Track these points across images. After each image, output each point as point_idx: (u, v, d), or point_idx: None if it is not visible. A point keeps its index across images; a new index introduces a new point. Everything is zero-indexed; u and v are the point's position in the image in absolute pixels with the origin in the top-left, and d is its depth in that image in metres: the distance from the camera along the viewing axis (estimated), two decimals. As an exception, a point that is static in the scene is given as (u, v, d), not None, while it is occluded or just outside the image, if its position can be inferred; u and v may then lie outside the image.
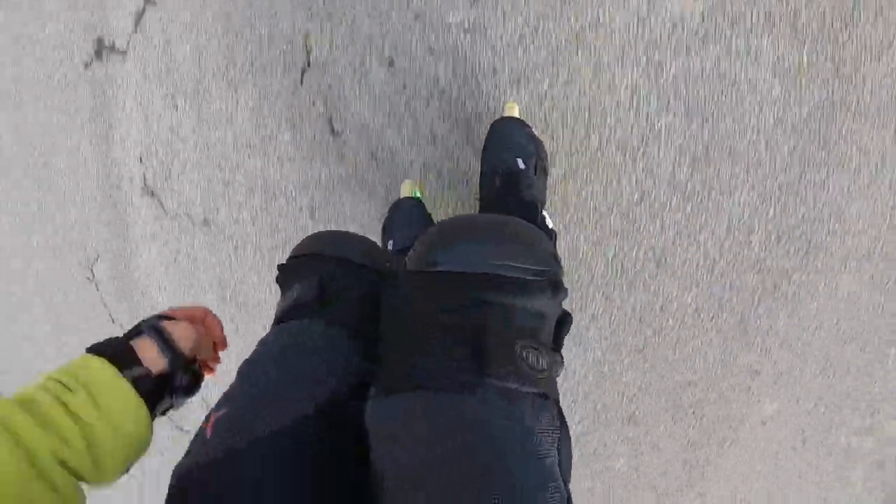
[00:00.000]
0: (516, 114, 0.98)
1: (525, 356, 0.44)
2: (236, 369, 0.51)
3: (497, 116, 0.98)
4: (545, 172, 0.90)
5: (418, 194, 1.10)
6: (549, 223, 0.86)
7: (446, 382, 0.42)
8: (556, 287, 0.48)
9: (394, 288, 0.51)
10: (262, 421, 0.43)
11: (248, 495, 0.39)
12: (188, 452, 0.44)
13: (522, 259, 0.47)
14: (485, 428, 0.40)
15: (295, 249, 0.61)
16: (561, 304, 0.50)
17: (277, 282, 0.61)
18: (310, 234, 0.63)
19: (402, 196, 1.06)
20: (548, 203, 1.01)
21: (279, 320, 0.56)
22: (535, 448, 0.40)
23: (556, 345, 0.49)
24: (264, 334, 0.55)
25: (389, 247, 0.96)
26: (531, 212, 0.82)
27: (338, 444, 0.44)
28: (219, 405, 0.47)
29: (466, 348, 0.43)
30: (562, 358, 0.48)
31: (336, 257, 0.57)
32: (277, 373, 0.48)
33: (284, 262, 0.61)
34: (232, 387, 0.49)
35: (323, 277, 0.55)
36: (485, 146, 0.89)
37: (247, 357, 0.52)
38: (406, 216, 0.98)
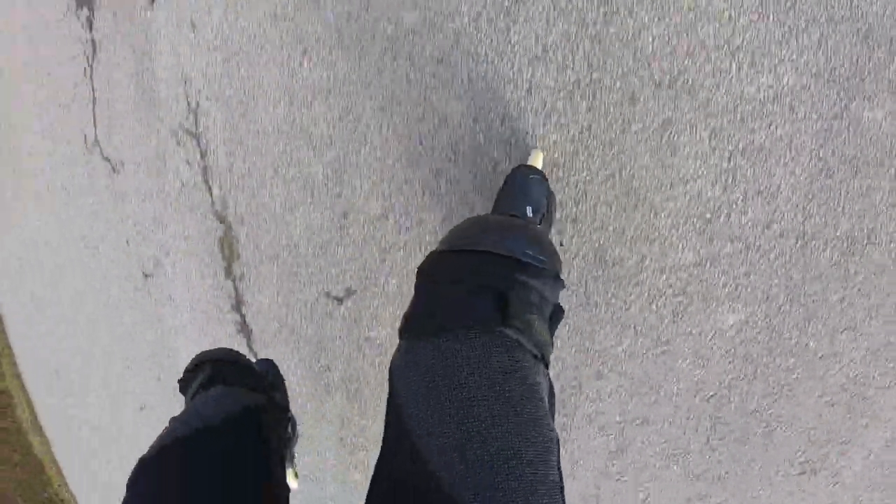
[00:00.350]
0: (539, 163, 1.07)
1: (531, 320, 0.51)
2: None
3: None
4: (549, 226, 0.97)
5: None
6: None
7: (470, 323, 0.49)
8: (556, 277, 0.57)
9: (439, 263, 0.57)
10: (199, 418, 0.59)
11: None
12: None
13: (539, 250, 0.57)
14: (514, 366, 0.47)
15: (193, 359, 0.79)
16: (558, 294, 0.59)
17: (181, 389, 0.77)
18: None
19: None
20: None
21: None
22: (541, 395, 0.47)
23: (551, 329, 0.55)
24: None
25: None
26: None
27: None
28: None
29: (489, 302, 0.50)
30: (552, 343, 0.54)
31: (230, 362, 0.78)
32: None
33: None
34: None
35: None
36: (503, 187, 0.96)
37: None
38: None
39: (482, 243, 0.56)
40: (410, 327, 0.53)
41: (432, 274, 0.56)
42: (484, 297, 0.51)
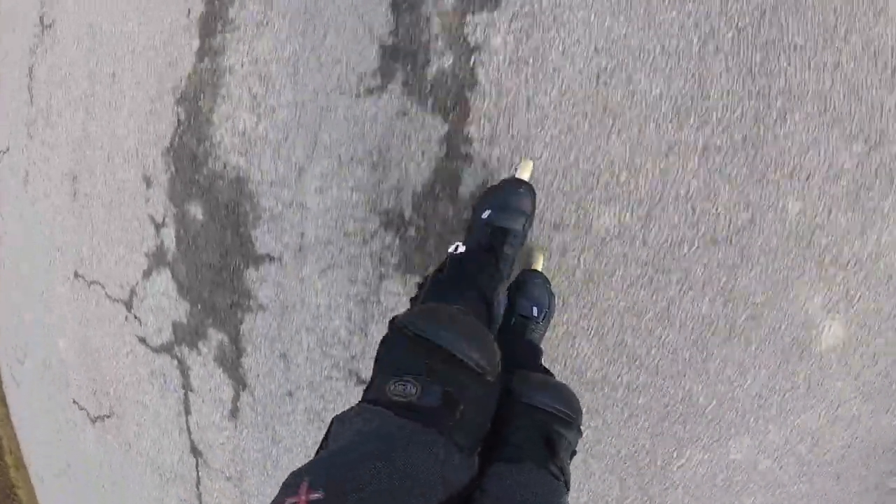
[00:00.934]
0: (540, 266, 1.12)
1: (566, 465, 0.72)
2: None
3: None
4: (548, 324, 1.10)
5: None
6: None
7: (529, 453, 0.68)
8: (578, 431, 0.77)
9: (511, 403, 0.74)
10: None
11: None
12: None
13: (576, 409, 0.78)
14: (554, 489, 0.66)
15: (406, 318, 0.66)
16: (577, 441, 0.78)
17: (385, 347, 0.65)
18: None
19: (518, 175, 1.07)
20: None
21: (377, 401, 0.59)
22: None
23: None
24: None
25: (484, 216, 0.99)
26: (535, 351, 1.03)
27: None
28: (310, 475, 0.47)
29: (546, 447, 0.71)
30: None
31: (455, 357, 0.62)
32: (388, 473, 0.50)
33: (401, 324, 0.65)
34: (326, 461, 0.51)
35: (447, 387, 0.60)
36: (511, 286, 1.06)
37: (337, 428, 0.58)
38: (513, 197, 0.99)
39: (537, 400, 0.75)
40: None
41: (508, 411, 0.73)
42: (539, 441, 0.71)
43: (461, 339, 0.64)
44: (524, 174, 1.06)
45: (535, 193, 1.03)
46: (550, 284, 1.10)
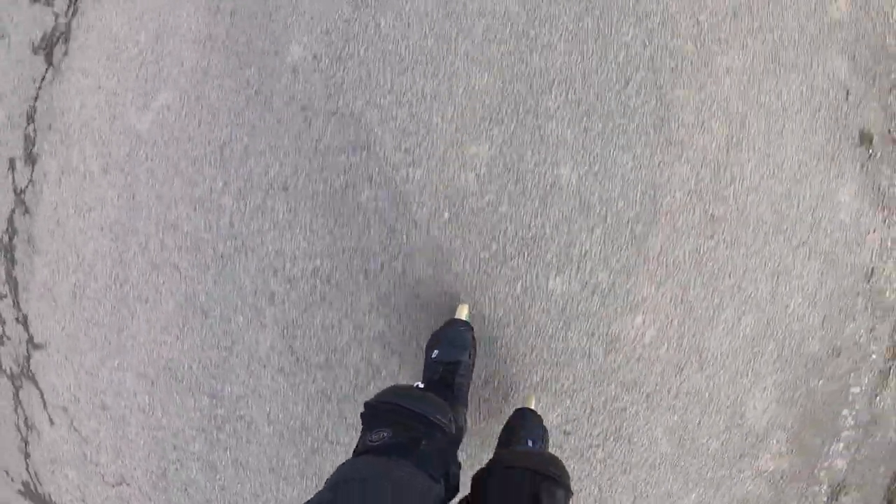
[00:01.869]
0: (532, 405, 1.30)
1: None
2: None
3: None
4: (546, 445, 1.23)
5: (465, 316, 1.31)
6: None
7: None
8: (567, 488, 0.87)
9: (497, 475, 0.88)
10: None
11: None
12: None
13: (561, 468, 0.90)
14: None
15: (380, 396, 0.88)
16: (568, 498, 0.87)
17: (363, 418, 0.85)
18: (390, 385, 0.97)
19: (457, 316, 1.27)
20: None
21: (364, 452, 0.78)
22: None
23: None
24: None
25: (433, 355, 1.18)
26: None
27: None
28: None
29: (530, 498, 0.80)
30: None
31: (416, 412, 0.83)
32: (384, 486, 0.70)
33: (371, 401, 0.86)
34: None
35: (411, 428, 0.80)
36: (506, 425, 1.20)
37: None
38: (456, 335, 1.21)
39: (531, 464, 0.88)
40: None
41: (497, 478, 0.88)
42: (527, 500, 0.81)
43: (420, 401, 0.86)
44: (462, 315, 1.29)
45: (472, 328, 1.25)
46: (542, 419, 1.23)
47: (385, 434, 0.78)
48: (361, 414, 0.87)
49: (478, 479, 0.89)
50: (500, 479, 0.87)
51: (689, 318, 1.30)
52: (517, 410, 1.24)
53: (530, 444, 1.14)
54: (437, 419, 0.83)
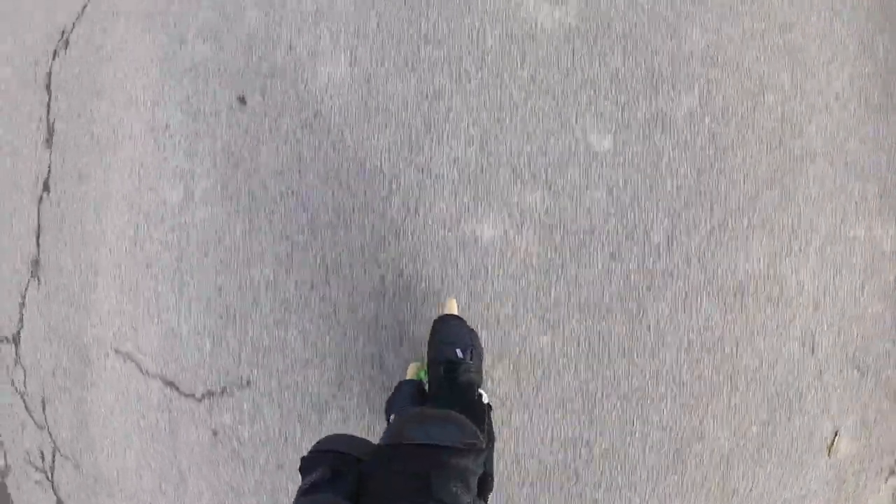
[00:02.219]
0: (455, 310, 1.26)
1: (456, 491, 0.71)
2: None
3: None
4: (480, 357, 1.15)
5: (422, 376, 1.25)
6: (485, 399, 1.07)
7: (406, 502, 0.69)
8: (477, 452, 0.77)
9: (379, 455, 0.78)
10: None
11: None
12: None
13: (458, 435, 0.77)
14: None
15: (315, 446, 0.85)
16: (483, 464, 0.78)
17: (300, 469, 0.82)
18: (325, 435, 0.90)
19: (407, 378, 1.24)
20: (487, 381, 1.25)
21: (303, 494, 0.76)
22: None
23: (482, 496, 0.74)
24: None
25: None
26: (469, 392, 1.04)
27: None
28: None
29: (421, 482, 0.70)
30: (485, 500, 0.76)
31: (342, 453, 0.80)
32: None
33: (307, 455, 0.83)
34: None
35: (333, 466, 0.77)
36: (429, 340, 1.14)
37: None
38: (406, 396, 1.15)
39: (408, 437, 0.76)
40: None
41: (378, 465, 0.77)
42: (413, 480, 0.71)
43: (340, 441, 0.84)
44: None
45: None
46: (466, 322, 1.14)
47: (316, 475, 0.76)
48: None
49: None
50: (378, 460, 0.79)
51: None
52: (435, 321, 1.16)
53: (459, 354, 1.07)
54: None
